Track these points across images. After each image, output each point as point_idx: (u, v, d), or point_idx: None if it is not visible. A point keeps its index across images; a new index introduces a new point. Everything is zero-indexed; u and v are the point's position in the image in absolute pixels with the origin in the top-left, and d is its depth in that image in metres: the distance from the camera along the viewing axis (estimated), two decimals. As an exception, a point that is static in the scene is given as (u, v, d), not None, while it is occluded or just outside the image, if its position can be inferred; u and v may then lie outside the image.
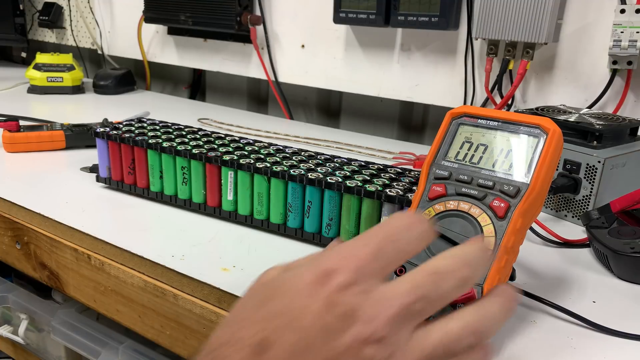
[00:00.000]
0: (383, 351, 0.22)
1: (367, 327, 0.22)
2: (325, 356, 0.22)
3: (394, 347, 0.23)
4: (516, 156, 0.39)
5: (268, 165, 0.55)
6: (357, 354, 0.22)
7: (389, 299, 0.23)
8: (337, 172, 0.54)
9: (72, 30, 1.58)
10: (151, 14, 1.26)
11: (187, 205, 0.62)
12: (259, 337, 0.23)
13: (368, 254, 0.24)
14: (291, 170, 0.54)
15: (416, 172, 0.55)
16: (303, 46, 1.12)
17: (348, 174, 0.54)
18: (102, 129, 0.64)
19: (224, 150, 0.59)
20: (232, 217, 0.59)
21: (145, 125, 0.68)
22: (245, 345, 0.23)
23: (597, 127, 0.63)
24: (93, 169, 0.73)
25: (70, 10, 1.56)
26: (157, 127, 0.67)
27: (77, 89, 1.31)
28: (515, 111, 0.69)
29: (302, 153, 0.60)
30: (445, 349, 0.24)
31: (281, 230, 0.57)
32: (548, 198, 0.67)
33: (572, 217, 0.65)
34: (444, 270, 0.25)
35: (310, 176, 0.53)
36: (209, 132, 0.66)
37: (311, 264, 0.24)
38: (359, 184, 0.51)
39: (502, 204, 0.37)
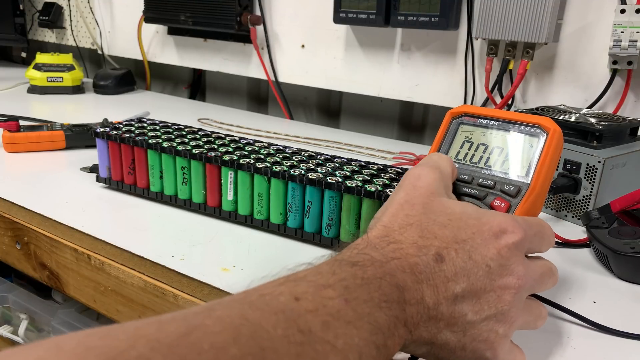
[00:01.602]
0: (517, 300, 0.32)
1: (516, 281, 0.32)
2: (479, 286, 0.31)
3: (521, 301, 0.33)
4: (516, 156, 0.39)
5: (268, 165, 0.55)
6: (501, 295, 0.32)
7: (533, 269, 0.34)
8: (337, 172, 0.54)
9: (72, 30, 1.58)
10: (151, 14, 1.26)
11: (187, 205, 0.62)
12: (437, 251, 0.31)
13: (530, 233, 0.33)
14: (291, 170, 0.54)
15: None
16: (303, 46, 1.12)
17: (348, 174, 0.53)
18: (102, 129, 0.64)
19: (224, 150, 0.59)
20: (232, 217, 0.59)
21: (145, 125, 0.68)
22: (429, 252, 0.31)
23: (597, 127, 0.63)
24: (93, 169, 0.73)
25: (70, 10, 1.56)
26: (157, 127, 0.67)
27: (77, 89, 1.31)
28: (515, 111, 0.69)
29: (302, 153, 0.60)
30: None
31: (281, 230, 0.56)
32: (548, 198, 0.66)
33: (572, 217, 0.65)
34: (554, 269, 0.37)
35: (310, 176, 0.52)
36: (209, 132, 0.66)
37: (490, 219, 0.33)
38: (359, 184, 0.51)
39: (503, 204, 0.37)
